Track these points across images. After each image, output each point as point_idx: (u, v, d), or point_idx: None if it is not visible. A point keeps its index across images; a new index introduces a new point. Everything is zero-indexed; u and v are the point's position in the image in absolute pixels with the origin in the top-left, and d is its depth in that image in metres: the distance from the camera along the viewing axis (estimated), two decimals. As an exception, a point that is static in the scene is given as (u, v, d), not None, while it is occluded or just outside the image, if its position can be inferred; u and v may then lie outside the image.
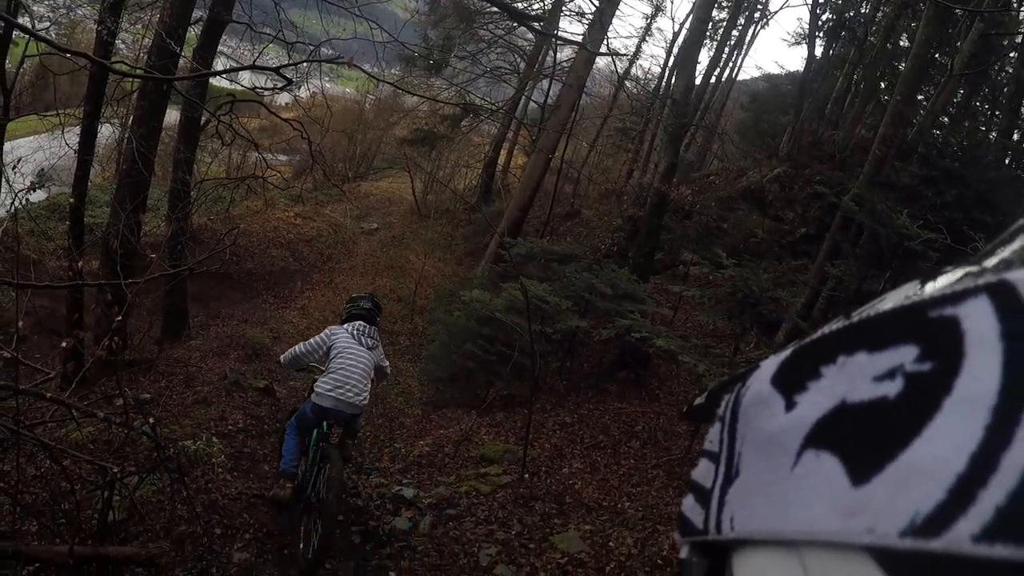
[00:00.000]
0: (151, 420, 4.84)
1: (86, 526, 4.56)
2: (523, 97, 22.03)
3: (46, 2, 18.03)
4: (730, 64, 24.18)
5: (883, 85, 18.83)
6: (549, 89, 21.20)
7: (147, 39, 15.92)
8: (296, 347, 5.88)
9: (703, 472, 0.46)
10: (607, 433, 9.08)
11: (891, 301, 0.36)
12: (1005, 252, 0.36)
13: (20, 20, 9.79)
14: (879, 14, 18.65)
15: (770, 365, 0.42)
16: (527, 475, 7.87)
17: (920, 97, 17.08)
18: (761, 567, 0.37)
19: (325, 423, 5.61)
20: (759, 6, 23.15)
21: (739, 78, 26.30)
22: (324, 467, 5.28)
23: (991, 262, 0.36)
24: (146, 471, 5.39)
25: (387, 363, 6.47)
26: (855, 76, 18.94)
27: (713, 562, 0.43)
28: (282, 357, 6.01)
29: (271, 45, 13.31)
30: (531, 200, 16.46)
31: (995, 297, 0.30)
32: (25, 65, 12.36)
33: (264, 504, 6.08)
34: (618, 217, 17.50)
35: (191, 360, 11.47)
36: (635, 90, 23.69)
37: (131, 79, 10.93)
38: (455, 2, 20.65)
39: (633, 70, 24.71)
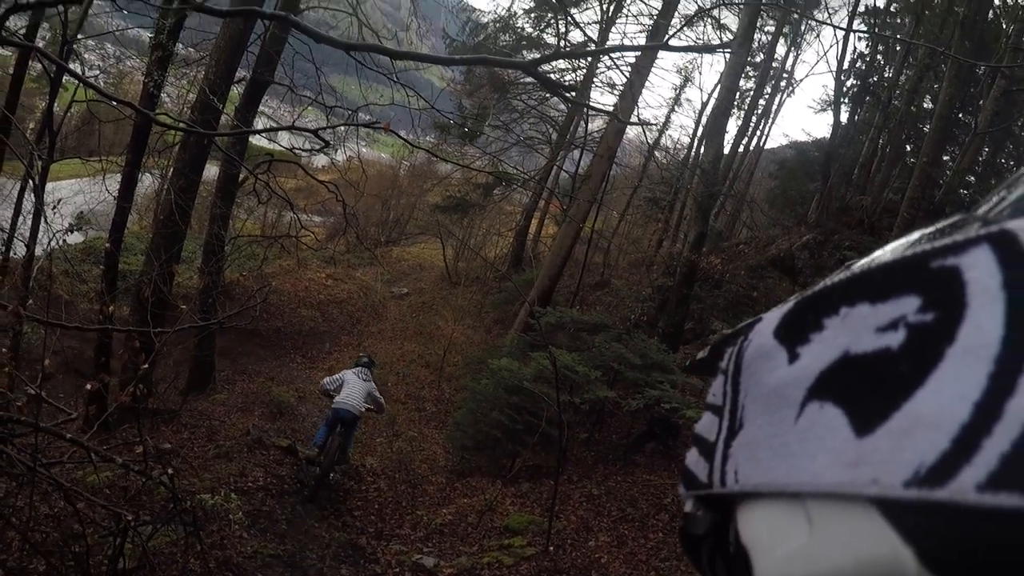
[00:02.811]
0: (170, 470, 4.80)
1: (95, 571, 4.49)
2: (555, 167, 22.25)
3: (97, 50, 18.54)
4: (758, 132, 24.37)
5: (909, 148, 18.85)
6: (580, 159, 21.40)
7: (191, 94, 16.31)
8: (325, 379, 9.63)
9: (707, 425, 0.45)
10: (635, 506, 8.88)
11: (892, 252, 0.36)
12: (1006, 201, 0.36)
13: (71, 65, 10.04)
14: (902, 77, 18.74)
15: (773, 317, 0.42)
16: (552, 548, 7.72)
17: (946, 158, 17.10)
18: (766, 519, 0.36)
19: (339, 424, 9.01)
20: (785, 75, 23.36)
21: (767, 146, 26.44)
22: (334, 441, 8.88)
23: (992, 212, 0.36)
24: (161, 521, 5.34)
25: (381, 397, 9.80)
26: (881, 140, 18.95)
27: (718, 515, 0.42)
28: (321, 383, 9.72)
29: (310, 108, 13.57)
30: (561, 269, 16.48)
31: (996, 246, 0.30)
32: (72, 110, 12.67)
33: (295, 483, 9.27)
34: (648, 287, 17.45)
35: (215, 414, 11.47)
36: (665, 160, 23.88)
37: (174, 132, 11.17)
38: (489, 73, 21.03)
39: (663, 140, 24.98)
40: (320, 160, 19.65)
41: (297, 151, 12.55)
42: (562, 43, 20.68)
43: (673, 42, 16.66)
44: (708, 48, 15.04)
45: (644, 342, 10.90)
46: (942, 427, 0.27)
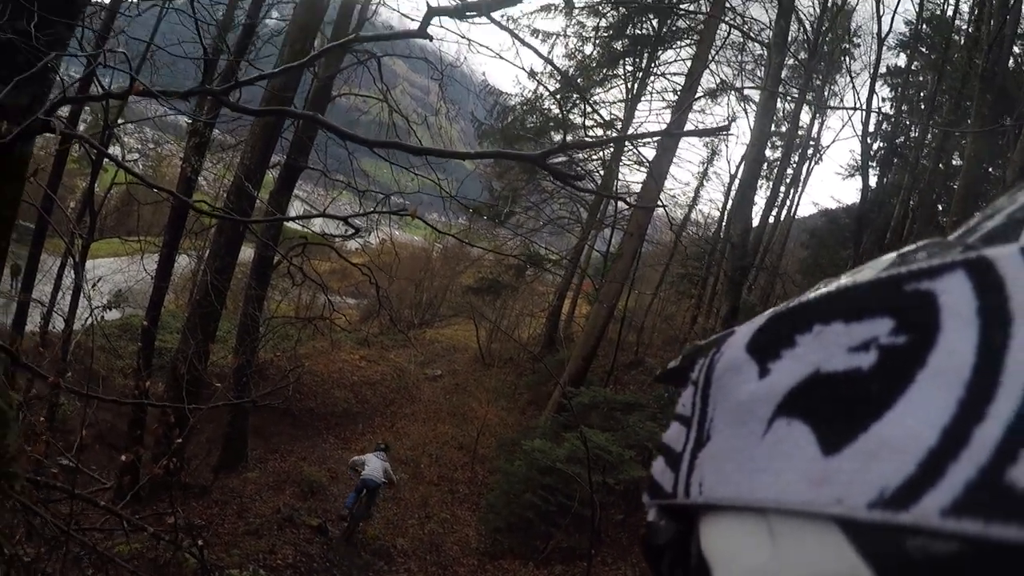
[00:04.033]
0: (200, 542, 4.79)
1: (122, 637, 4.45)
2: (586, 246, 22.35)
3: (136, 134, 19.11)
4: (787, 202, 24.31)
5: (940, 207, 18.66)
6: (611, 237, 21.49)
7: (227, 178, 16.69)
8: (355, 457, 11.77)
9: (674, 436, 0.44)
10: (671, 589, 8.66)
11: (869, 272, 0.35)
12: (985, 228, 0.36)
13: (111, 149, 10.38)
14: (928, 136, 18.68)
15: (745, 331, 0.41)
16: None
17: (977, 213, 16.93)
18: (729, 533, 0.36)
19: (365, 490, 11.16)
20: (811, 142, 23.44)
21: (797, 215, 26.32)
22: (359, 503, 11.06)
23: (970, 238, 0.35)
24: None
25: (392, 474, 11.74)
26: (911, 202, 18.80)
27: (681, 526, 0.42)
28: (351, 460, 11.95)
29: (343, 191, 13.85)
30: (594, 349, 16.44)
31: (973, 272, 0.30)
32: (112, 191, 13.04)
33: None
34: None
35: (246, 491, 11.47)
36: (695, 234, 23.91)
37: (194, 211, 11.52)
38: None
39: (693, 214, 25.05)
40: (353, 243, 19.96)
41: (331, 237, 12.84)
42: (588, 122, 20.98)
43: (688, 127, 16.92)
44: (714, 131, 15.17)
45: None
46: (909, 450, 0.27)
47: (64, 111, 9.73)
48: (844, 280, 0.36)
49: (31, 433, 4.36)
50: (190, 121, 11.87)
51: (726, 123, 14.40)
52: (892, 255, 0.37)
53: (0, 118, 3.51)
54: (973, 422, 0.26)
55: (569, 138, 22.93)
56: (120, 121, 10.97)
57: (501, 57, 14.72)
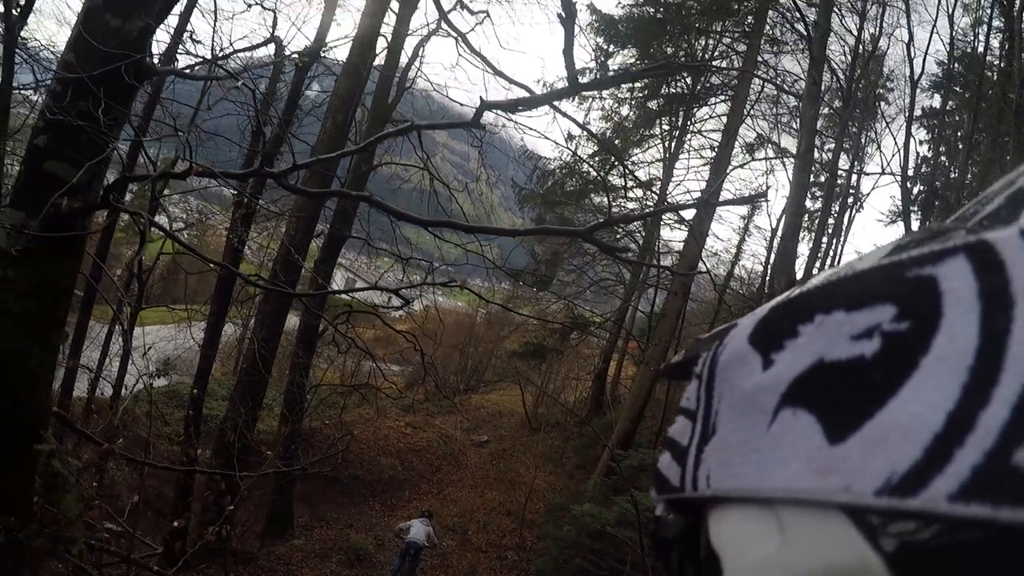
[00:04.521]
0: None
1: None
2: (629, 307, 22.26)
3: (181, 204, 19.55)
4: (830, 253, 24.01)
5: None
6: (655, 298, 21.40)
7: (271, 247, 16.96)
8: (400, 524, 12.35)
9: (680, 429, 0.45)
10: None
11: (869, 260, 0.36)
12: (984, 211, 0.36)
13: (157, 218, 10.63)
14: (968, 176, 18.43)
15: (748, 323, 0.42)
16: None
17: None
18: (737, 524, 0.37)
19: (409, 553, 11.76)
20: (851, 191, 23.25)
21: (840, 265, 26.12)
22: (405, 564, 11.58)
23: (970, 221, 0.36)
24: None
25: (435, 537, 12.65)
26: (954, 244, 18.41)
27: (689, 519, 0.43)
28: (396, 527, 12.71)
29: (386, 259, 14.00)
30: (642, 410, 16.30)
31: (973, 256, 0.30)
32: (159, 260, 13.34)
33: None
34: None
35: (292, 559, 11.49)
36: (739, 291, 23.71)
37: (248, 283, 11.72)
38: (561, 220, 21.45)
39: (736, 270, 24.87)
40: (397, 310, 20.04)
41: (381, 308, 12.98)
42: (627, 183, 21.07)
43: (726, 184, 16.94)
44: (751, 199, 15.20)
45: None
46: (915, 437, 0.27)
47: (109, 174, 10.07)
48: (845, 268, 0.37)
49: (84, 498, 4.44)
50: (236, 192, 12.20)
51: (763, 191, 14.43)
52: (892, 242, 0.38)
53: (62, 195, 3.68)
54: (978, 406, 0.26)
55: (607, 200, 23.12)
56: (166, 192, 11.29)
57: (545, 138, 14.98)
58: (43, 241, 3.67)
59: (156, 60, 10.80)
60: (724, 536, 0.37)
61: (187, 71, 7.93)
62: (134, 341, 10.38)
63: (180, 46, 11.37)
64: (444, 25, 13.37)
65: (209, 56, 12.19)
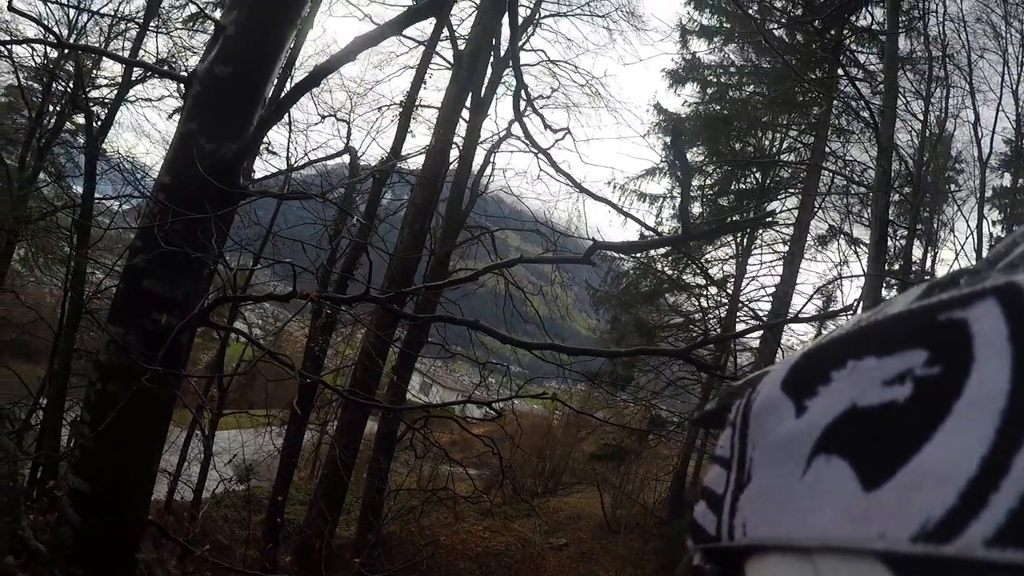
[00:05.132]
0: None
1: None
2: (707, 406, 21.89)
3: (258, 310, 19.97)
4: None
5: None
6: (732, 396, 21.03)
7: (348, 352, 17.14)
8: None
9: (715, 478, 0.46)
10: None
11: (899, 304, 0.37)
12: (1014, 254, 0.36)
13: (237, 324, 10.90)
14: None
15: (780, 369, 0.42)
16: None
17: None
18: (774, 573, 0.37)
19: None
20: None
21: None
22: None
23: (1000, 264, 0.36)
24: None
25: None
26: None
27: (726, 569, 0.43)
28: None
29: (461, 362, 14.11)
30: (723, 510, 15.88)
31: (1003, 299, 0.30)
32: (239, 366, 13.61)
33: None
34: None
35: (377, 669, 11.26)
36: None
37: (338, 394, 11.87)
38: (635, 319, 21.42)
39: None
40: (474, 413, 20.04)
41: (470, 419, 13.04)
42: (700, 280, 21.05)
43: (811, 306, 16.83)
44: (841, 312, 15.03)
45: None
46: (949, 482, 0.27)
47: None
48: (876, 314, 0.37)
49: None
50: (316, 303, 12.54)
51: (852, 304, 14.29)
52: (921, 286, 0.38)
53: (161, 311, 3.90)
54: (1012, 449, 0.26)
55: (681, 298, 23.04)
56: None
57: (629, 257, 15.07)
58: (143, 356, 3.81)
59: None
60: None
61: (269, 186, 8.23)
62: (213, 445, 10.61)
63: (257, 158, 11.87)
64: (523, 142, 13.63)
65: (285, 167, 12.75)
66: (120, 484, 4.03)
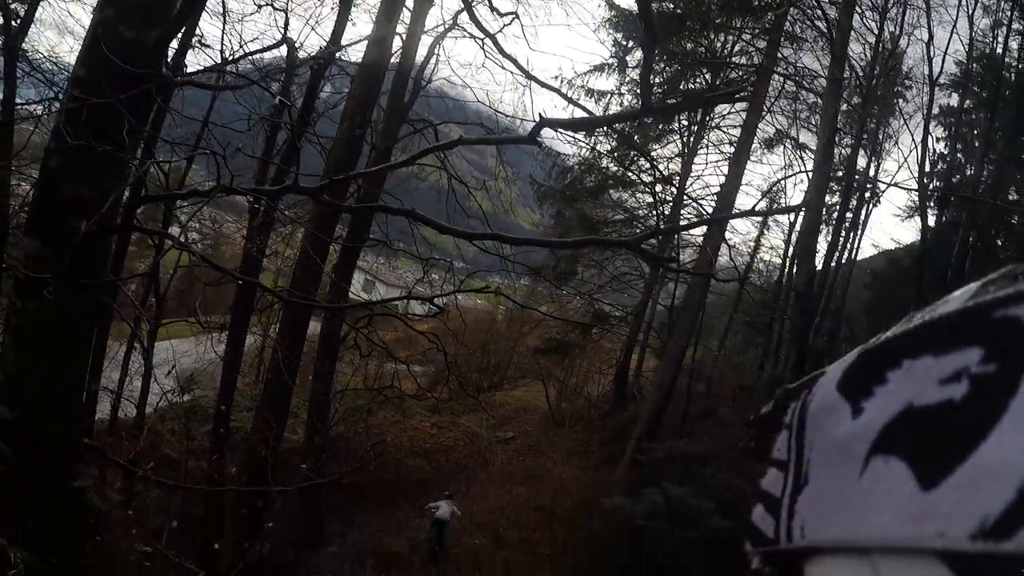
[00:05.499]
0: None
1: None
2: (650, 301, 22.20)
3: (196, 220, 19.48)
4: (848, 246, 23.88)
5: (1000, 243, 18.21)
6: (675, 291, 21.34)
7: (287, 253, 16.86)
8: (429, 504, 14.29)
9: (772, 481, 0.47)
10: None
11: (953, 303, 0.37)
12: None
13: (170, 229, 10.55)
14: (984, 174, 18.34)
15: (835, 371, 0.43)
16: None
17: None
18: (833, 574, 0.38)
19: (435, 525, 13.47)
20: (869, 186, 23.12)
21: (858, 258, 25.86)
22: (435, 534, 13.24)
23: None
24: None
25: (457, 511, 14.57)
26: (970, 239, 18.37)
27: (785, 571, 0.44)
28: (427, 507, 14.57)
29: (404, 259, 13.98)
30: (665, 402, 16.28)
31: None
32: (175, 273, 13.34)
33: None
34: (753, 412, 16.99)
35: (328, 567, 11.56)
36: (759, 283, 23.62)
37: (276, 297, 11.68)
38: (580, 215, 21.43)
39: (755, 263, 24.74)
40: (417, 310, 20.06)
41: (411, 315, 12.98)
42: (646, 177, 21.06)
43: (759, 207, 16.88)
44: (791, 209, 15.16)
45: (755, 469, 10.68)
46: (1007, 479, 0.27)
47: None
48: (930, 313, 0.38)
49: (123, 528, 4.47)
50: (251, 201, 12.19)
51: (799, 204, 14.40)
52: (975, 284, 0.38)
53: (80, 217, 3.59)
54: None
55: (625, 195, 23.02)
56: (186, 207, 11.25)
57: (568, 135, 14.87)
58: (63, 270, 3.53)
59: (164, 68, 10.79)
60: None
61: (202, 79, 7.84)
62: (153, 357, 10.42)
63: (189, 51, 11.35)
64: (469, 26, 13.23)
65: (219, 60, 12.20)
66: (47, 408, 3.80)
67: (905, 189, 18.75)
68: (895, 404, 0.35)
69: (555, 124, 4.14)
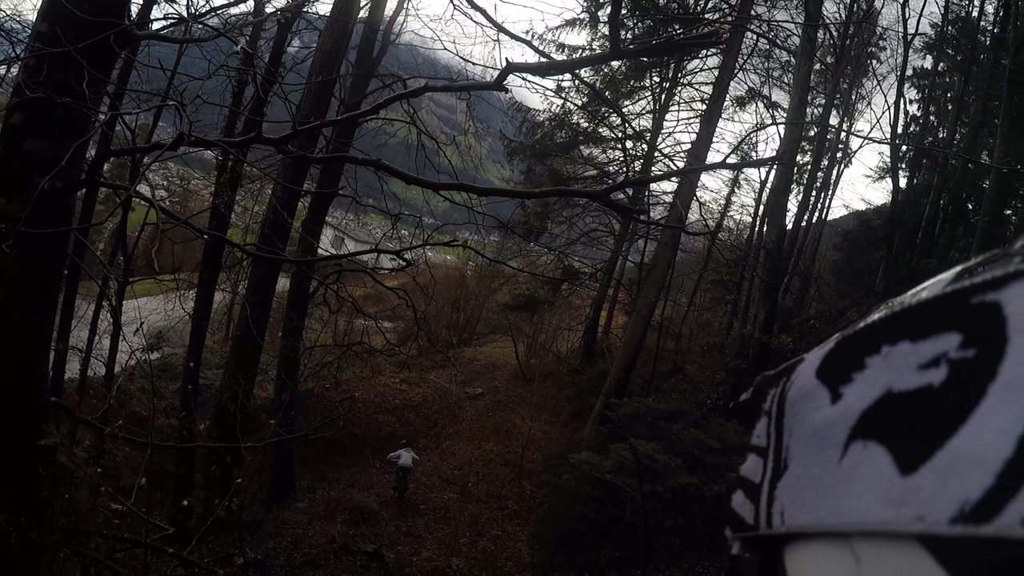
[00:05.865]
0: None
1: None
2: (620, 258, 22.27)
3: (160, 171, 19.19)
4: (819, 206, 24.04)
5: (970, 207, 18.43)
6: (645, 248, 21.42)
7: (256, 209, 16.68)
8: (391, 455, 14.88)
9: (752, 467, 0.46)
10: (724, 590, 8.64)
11: (932, 289, 0.36)
12: None
13: (139, 187, 10.40)
14: (956, 137, 18.50)
15: (814, 358, 0.42)
16: (644, 638, 7.53)
17: (1008, 212, 16.72)
18: (813, 559, 0.37)
19: (400, 472, 14.22)
20: (840, 145, 23.25)
21: (829, 218, 26.06)
22: (400, 480, 14.07)
23: None
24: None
25: (416, 457, 15.33)
26: (941, 202, 18.58)
27: (765, 557, 0.43)
28: (388, 457, 15.10)
29: (374, 215, 13.88)
30: (634, 359, 16.40)
31: None
32: (143, 231, 13.16)
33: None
34: (721, 370, 17.22)
35: (298, 522, 11.58)
36: (729, 242, 23.78)
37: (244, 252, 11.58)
38: (550, 170, 21.36)
39: (725, 221, 24.89)
40: (387, 265, 19.97)
41: (378, 269, 12.91)
42: (618, 133, 20.99)
43: (730, 160, 16.81)
44: (765, 162, 15.08)
45: (722, 426, 10.81)
46: (986, 463, 0.27)
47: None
48: (908, 298, 0.37)
49: (92, 486, 4.44)
50: (219, 158, 12.01)
51: (781, 155, 14.38)
52: (955, 269, 0.37)
53: (41, 173, 3.54)
54: None
55: (596, 151, 22.96)
56: (146, 160, 11.09)
57: (538, 89, 14.66)
58: (26, 226, 3.43)
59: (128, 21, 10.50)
60: (801, 572, 0.39)
61: (168, 33, 7.66)
62: (122, 316, 10.33)
63: (155, 6, 11.10)
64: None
65: (185, 14, 11.92)
66: (9, 366, 3.78)
67: (878, 142, 18.75)
68: (874, 390, 0.35)
69: (523, 68, 4.05)
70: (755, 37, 17.95)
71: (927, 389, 0.32)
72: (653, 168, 20.73)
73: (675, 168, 19.76)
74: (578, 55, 21.07)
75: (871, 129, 22.78)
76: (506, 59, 3.73)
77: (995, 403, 0.28)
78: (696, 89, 21.68)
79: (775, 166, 13.95)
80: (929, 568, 0.29)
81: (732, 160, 20.10)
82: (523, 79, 13.59)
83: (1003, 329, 0.29)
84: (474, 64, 15.84)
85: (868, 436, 0.34)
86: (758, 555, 0.44)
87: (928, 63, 21.31)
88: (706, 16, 19.33)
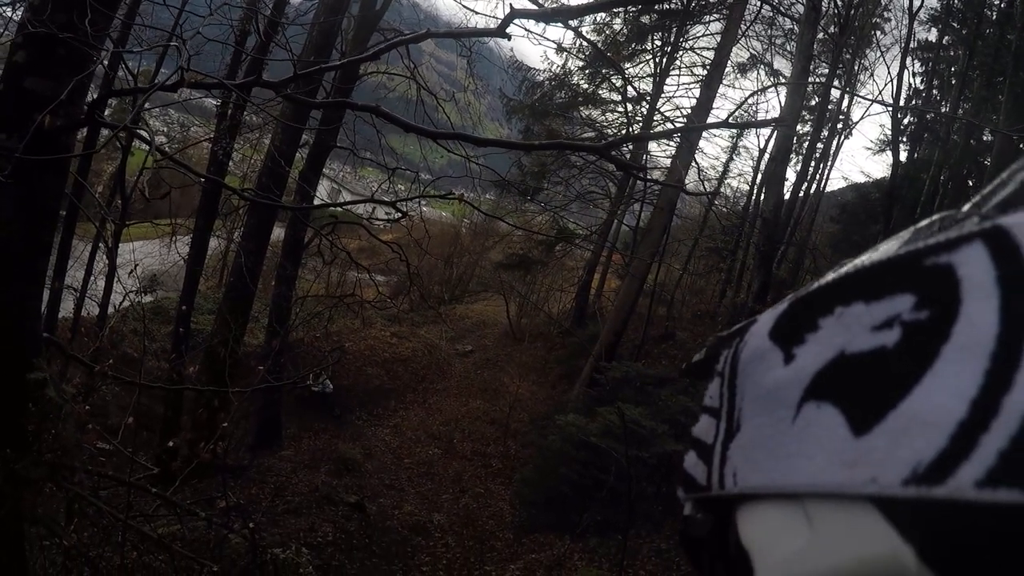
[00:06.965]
0: (251, 525, 4.90)
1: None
2: (615, 221, 22.22)
3: (161, 117, 19.05)
4: (817, 177, 23.97)
5: (971, 183, 18.37)
6: (640, 212, 21.36)
7: (254, 158, 16.59)
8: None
9: (704, 428, 0.46)
10: (706, 560, 8.73)
11: (886, 250, 0.36)
12: (999, 196, 0.36)
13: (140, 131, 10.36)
14: (959, 111, 18.40)
15: (767, 319, 0.42)
16: (621, 602, 7.60)
17: None
18: (765, 520, 0.37)
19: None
20: (841, 116, 23.14)
21: (827, 190, 25.99)
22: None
23: (985, 207, 0.36)
24: (242, 573, 5.41)
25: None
26: (942, 177, 18.52)
27: (717, 518, 0.43)
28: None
29: (371, 168, 13.81)
30: (625, 323, 16.41)
31: (989, 242, 0.30)
32: (142, 175, 13.09)
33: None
34: (713, 338, 17.24)
35: (282, 470, 11.63)
36: (725, 209, 23.74)
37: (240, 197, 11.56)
38: (548, 130, 21.22)
39: (722, 188, 24.82)
40: (382, 218, 19.92)
41: (374, 220, 12.84)
42: (616, 96, 20.84)
43: (717, 101, 16.72)
44: (767, 123, 14.94)
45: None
46: (939, 425, 0.28)
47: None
48: (862, 260, 0.38)
49: (79, 423, 4.44)
50: (219, 104, 11.93)
51: (775, 119, 14.29)
52: (908, 231, 0.39)
53: (42, 111, 3.55)
54: (1001, 391, 0.26)
55: (595, 113, 22.82)
56: (147, 104, 10.99)
57: (541, 41, 14.55)
58: (26, 162, 3.50)
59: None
60: (753, 533, 0.39)
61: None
62: (118, 258, 10.32)
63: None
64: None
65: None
66: (5, 302, 3.81)
67: (882, 103, 18.61)
68: (827, 351, 0.35)
69: (526, 15, 4.02)
70: (759, 3, 17.78)
71: (880, 350, 0.32)
72: (651, 130, 20.62)
73: (674, 122, 19.68)
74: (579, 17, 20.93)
75: (873, 101, 22.64)
76: (510, 5, 3.68)
77: (948, 365, 0.29)
78: (698, 54, 21.52)
79: (774, 133, 13.88)
80: (881, 529, 0.29)
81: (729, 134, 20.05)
82: (526, 30, 13.45)
83: (956, 291, 0.30)
84: (476, 13, 15.68)
85: (821, 397, 0.34)
86: (710, 516, 0.44)
87: (933, 36, 21.23)
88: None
